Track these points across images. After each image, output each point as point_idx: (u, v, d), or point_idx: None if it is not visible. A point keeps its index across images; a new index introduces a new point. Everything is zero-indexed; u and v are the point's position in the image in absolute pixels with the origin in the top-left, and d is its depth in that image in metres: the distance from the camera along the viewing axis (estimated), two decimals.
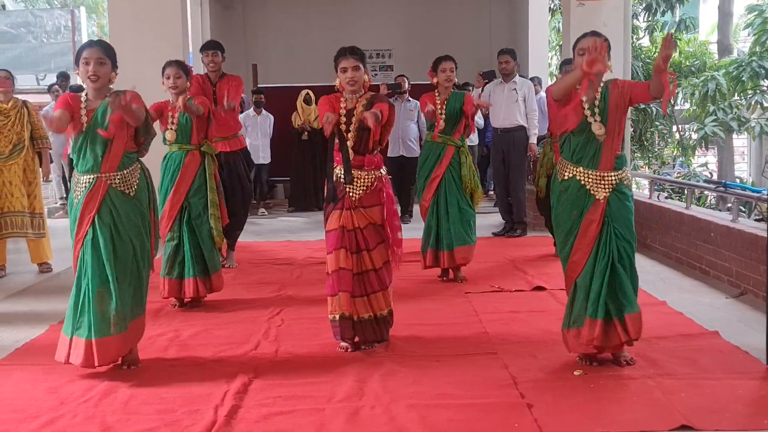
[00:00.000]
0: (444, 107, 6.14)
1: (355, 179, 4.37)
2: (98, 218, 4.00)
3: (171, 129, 5.49)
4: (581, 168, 4.02)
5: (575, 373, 3.97)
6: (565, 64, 6.99)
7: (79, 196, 4.04)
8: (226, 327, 5.02)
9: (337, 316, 4.38)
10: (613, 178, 4.00)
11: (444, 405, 3.61)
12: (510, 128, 8.32)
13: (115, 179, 4.03)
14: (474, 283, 6.15)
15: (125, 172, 4.07)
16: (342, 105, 4.45)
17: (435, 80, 6.20)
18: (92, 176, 4.02)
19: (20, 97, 7.10)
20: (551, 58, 15.43)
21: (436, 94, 6.21)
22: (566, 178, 4.07)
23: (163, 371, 4.16)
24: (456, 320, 5.09)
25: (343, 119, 4.40)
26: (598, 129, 3.97)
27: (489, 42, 14.44)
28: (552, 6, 14.57)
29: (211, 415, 3.50)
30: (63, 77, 11.87)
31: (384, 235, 4.46)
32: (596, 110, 3.99)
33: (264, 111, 10.78)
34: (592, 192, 4.00)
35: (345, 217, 4.38)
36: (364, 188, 4.40)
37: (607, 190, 3.99)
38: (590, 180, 4.01)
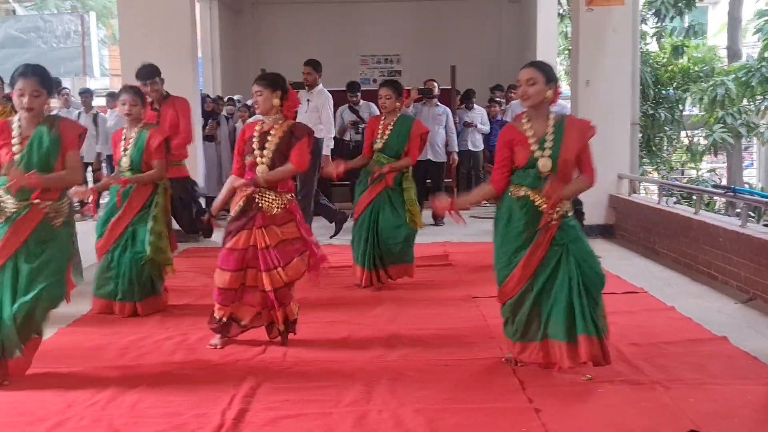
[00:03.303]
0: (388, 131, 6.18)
1: (269, 200, 4.52)
2: (25, 247, 3.91)
3: (125, 155, 5.37)
4: (536, 192, 3.97)
5: (583, 378, 3.96)
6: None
7: (6, 219, 3.93)
8: None
9: (225, 318, 4.61)
10: (563, 206, 3.97)
11: (451, 410, 3.60)
12: None
13: (48, 207, 3.96)
14: (482, 287, 6.13)
15: (58, 202, 4.01)
16: (257, 128, 4.60)
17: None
18: (25, 204, 3.91)
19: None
20: (560, 64, 15.42)
21: (382, 118, 6.29)
22: (521, 195, 4.01)
23: (171, 375, 4.16)
24: (464, 325, 5.08)
25: (256, 141, 4.55)
26: (543, 166, 3.94)
27: (498, 47, 14.46)
28: (561, 11, 14.56)
29: (219, 419, 3.50)
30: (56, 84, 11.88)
31: (301, 246, 4.59)
32: (546, 145, 3.95)
33: None
34: (544, 209, 3.95)
35: (257, 237, 4.51)
36: (278, 209, 4.53)
37: (557, 216, 3.96)
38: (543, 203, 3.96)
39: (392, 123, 6.17)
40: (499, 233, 4.12)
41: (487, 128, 11.74)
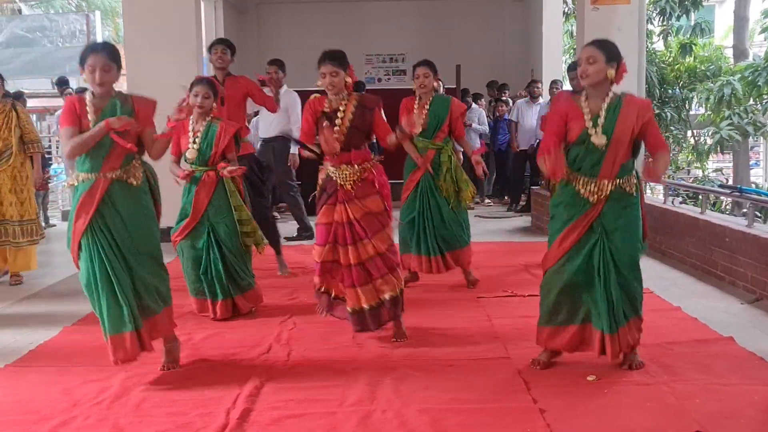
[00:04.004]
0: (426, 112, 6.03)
1: (346, 173, 4.55)
2: (97, 217, 3.93)
3: (193, 148, 5.27)
4: (579, 175, 3.99)
5: (588, 378, 3.95)
6: (571, 70, 6.92)
7: (77, 194, 3.98)
8: (238, 330, 5.02)
9: (321, 289, 4.72)
10: (611, 183, 3.95)
11: (456, 409, 3.60)
12: None
13: (118, 174, 3.96)
14: (487, 287, 6.13)
15: (127, 168, 4.00)
16: (326, 106, 4.62)
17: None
18: (93, 175, 3.95)
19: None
20: (565, 62, 15.39)
21: (417, 98, 6.10)
22: (564, 180, 4.05)
23: (175, 374, 4.17)
24: (468, 325, 5.07)
25: (325, 119, 4.58)
26: (598, 139, 3.93)
27: (503, 46, 14.44)
28: (566, 10, 14.54)
29: (223, 418, 3.50)
30: (62, 84, 11.90)
31: (384, 221, 4.61)
32: (599, 121, 3.94)
33: None
34: (585, 196, 3.96)
35: (338, 212, 4.55)
36: (354, 180, 4.55)
37: (602, 197, 3.95)
38: (586, 187, 3.97)
39: (428, 103, 6.03)
40: (551, 210, 4.19)
41: (484, 128, 11.73)
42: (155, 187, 4.19)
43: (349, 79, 4.59)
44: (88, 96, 4.03)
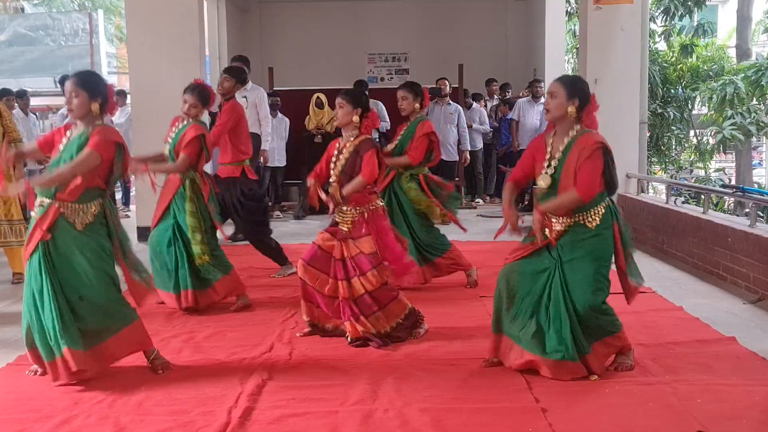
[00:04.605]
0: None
1: (341, 216, 4.67)
2: (43, 244, 3.92)
3: (167, 144, 5.50)
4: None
5: (590, 378, 3.95)
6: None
7: (35, 215, 3.98)
8: (240, 329, 5.03)
9: (308, 319, 4.82)
10: (565, 221, 3.92)
11: (457, 409, 3.60)
12: None
13: (67, 209, 3.93)
14: (489, 287, 6.10)
15: (82, 206, 3.96)
16: (337, 146, 4.78)
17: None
18: (47, 201, 3.93)
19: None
20: (568, 62, 15.38)
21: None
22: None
23: (177, 373, 4.17)
24: (470, 324, 5.07)
25: (334, 158, 4.75)
26: (543, 182, 3.96)
27: (505, 45, 14.44)
28: (569, 10, 14.52)
29: (225, 417, 3.51)
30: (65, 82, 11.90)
31: (377, 259, 4.64)
32: (553, 163, 3.95)
33: (279, 114, 10.79)
34: (540, 229, 3.96)
35: (336, 248, 4.65)
36: (350, 223, 4.64)
37: (553, 234, 3.94)
38: (542, 222, 3.95)
39: (406, 125, 6.13)
40: None
41: (486, 128, 11.73)
42: (113, 226, 4.11)
43: (356, 119, 4.66)
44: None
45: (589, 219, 3.92)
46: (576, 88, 3.94)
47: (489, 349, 4.20)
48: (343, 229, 4.66)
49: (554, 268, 3.95)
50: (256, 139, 8.37)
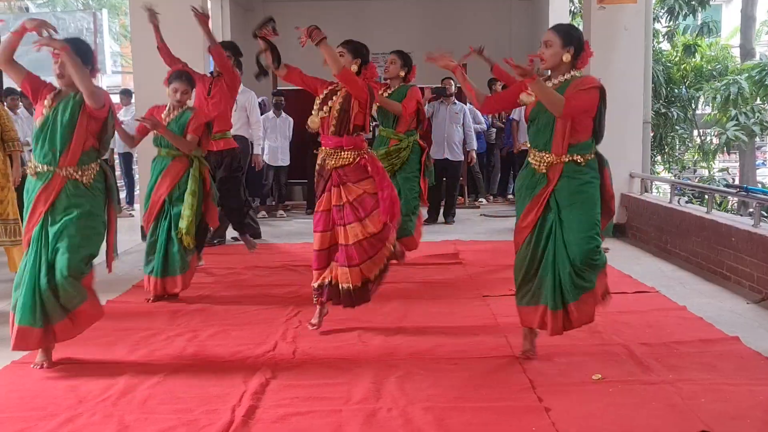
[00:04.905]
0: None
1: (335, 157, 4.74)
2: (51, 212, 4.07)
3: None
4: (535, 151, 4.08)
5: (594, 377, 3.95)
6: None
7: (34, 185, 4.11)
8: (244, 328, 5.03)
9: (316, 284, 4.84)
10: (562, 159, 4.00)
11: (461, 408, 3.60)
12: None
13: (70, 173, 4.10)
14: (492, 286, 6.13)
15: (83, 167, 4.14)
16: (328, 86, 4.90)
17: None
18: (50, 168, 4.08)
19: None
20: None
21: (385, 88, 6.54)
22: (527, 160, 4.16)
23: (181, 371, 4.18)
24: (474, 323, 5.07)
25: (322, 98, 4.86)
26: (525, 97, 4.04)
27: (509, 45, 14.40)
28: (572, 9, 14.51)
29: (229, 416, 3.51)
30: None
31: (376, 203, 4.73)
32: None
33: (283, 113, 10.80)
34: (540, 170, 4.03)
35: (334, 195, 4.73)
36: (346, 163, 4.71)
37: (555, 171, 4.01)
38: (541, 161, 4.04)
39: (387, 89, 6.43)
40: (515, 196, 4.31)
41: (482, 126, 11.72)
42: (112, 187, 4.32)
43: (355, 68, 4.88)
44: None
45: (583, 159, 4.02)
46: (571, 36, 4.02)
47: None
48: (338, 170, 4.70)
49: (552, 217, 4.05)
50: (244, 141, 8.34)
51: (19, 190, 7.30)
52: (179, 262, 5.59)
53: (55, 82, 4.27)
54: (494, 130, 12.03)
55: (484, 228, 9.03)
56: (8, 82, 11.35)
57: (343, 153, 4.73)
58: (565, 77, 4.02)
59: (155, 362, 4.31)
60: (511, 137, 11.53)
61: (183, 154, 5.62)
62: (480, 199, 11.94)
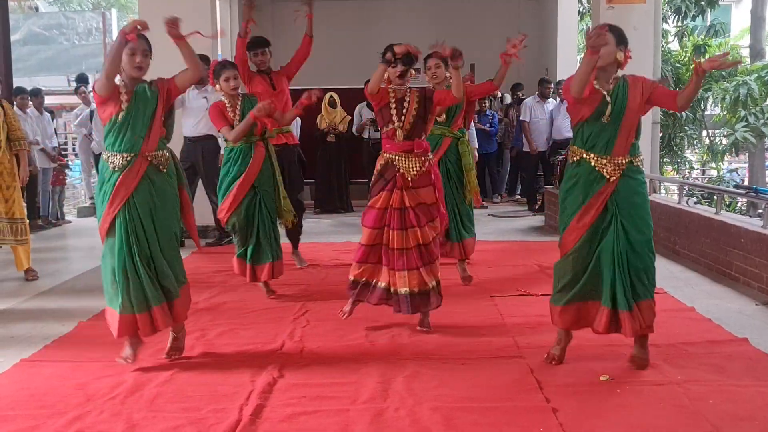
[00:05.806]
0: None
1: (407, 163, 4.74)
2: (135, 196, 4.13)
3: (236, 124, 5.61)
4: (593, 154, 4.08)
5: (601, 378, 3.94)
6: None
7: (111, 175, 4.14)
8: (252, 327, 5.04)
9: (360, 280, 4.85)
10: (625, 160, 4.05)
11: (468, 408, 3.60)
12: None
13: (153, 159, 4.19)
14: (500, 286, 6.12)
15: (159, 153, 4.23)
16: (391, 95, 4.81)
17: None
18: (133, 156, 4.13)
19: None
20: (579, 62, 15.34)
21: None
22: (576, 160, 4.13)
23: (189, 370, 4.19)
24: (481, 324, 5.07)
25: (393, 106, 4.78)
26: (609, 112, 4.04)
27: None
28: (581, 9, 14.48)
29: (236, 414, 3.52)
30: (81, 81, 11.95)
31: (434, 213, 4.80)
32: (608, 99, 4.04)
33: None
34: (601, 172, 4.04)
35: (395, 197, 4.73)
36: (417, 170, 4.73)
37: (617, 172, 4.04)
38: (601, 163, 4.05)
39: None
40: (561, 194, 4.26)
41: (494, 129, 11.71)
42: (181, 171, 4.46)
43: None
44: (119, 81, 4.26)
45: (639, 161, 4.12)
46: (623, 36, 4.10)
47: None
48: (408, 176, 4.71)
49: (613, 219, 4.07)
50: (213, 141, 8.20)
51: (27, 189, 7.38)
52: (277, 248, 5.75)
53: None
54: (486, 127, 11.97)
55: (492, 228, 9.02)
56: (18, 82, 11.41)
57: (414, 157, 4.75)
58: (615, 78, 4.09)
59: (163, 361, 4.32)
60: (519, 138, 11.51)
61: (259, 140, 5.67)
62: (495, 196, 12.05)
